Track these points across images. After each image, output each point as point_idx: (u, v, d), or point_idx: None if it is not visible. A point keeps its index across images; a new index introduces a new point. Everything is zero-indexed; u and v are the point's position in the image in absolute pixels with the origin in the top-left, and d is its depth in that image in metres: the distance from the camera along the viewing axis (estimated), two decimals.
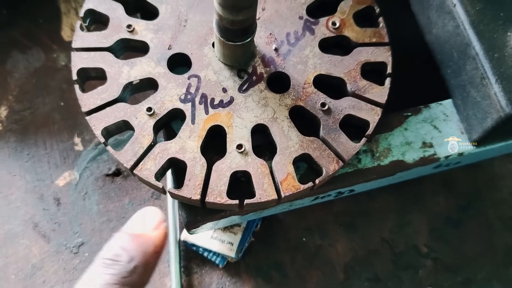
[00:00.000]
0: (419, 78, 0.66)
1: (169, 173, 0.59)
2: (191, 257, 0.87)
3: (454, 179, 0.92)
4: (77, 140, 0.91)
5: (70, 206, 0.86)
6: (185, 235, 0.83)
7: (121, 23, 0.59)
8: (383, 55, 0.58)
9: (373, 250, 0.87)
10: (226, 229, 0.82)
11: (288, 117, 0.55)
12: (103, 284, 0.33)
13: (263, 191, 0.51)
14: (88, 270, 0.34)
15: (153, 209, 0.41)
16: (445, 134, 0.61)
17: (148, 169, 0.52)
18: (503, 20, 0.55)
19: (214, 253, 0.83)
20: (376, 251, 0.87)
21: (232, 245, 0.81)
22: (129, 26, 0.58)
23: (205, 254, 0.83)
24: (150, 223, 0.39)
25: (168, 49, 0.58)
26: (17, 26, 0.99)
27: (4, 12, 1.00)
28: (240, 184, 0.54)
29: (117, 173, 0.88)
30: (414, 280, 0.86)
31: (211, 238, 0.82)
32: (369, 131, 0.55)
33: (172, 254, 0.84)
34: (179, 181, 0.54)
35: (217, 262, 0.84)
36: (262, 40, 0.59)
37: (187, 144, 0.53)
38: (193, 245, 0.84)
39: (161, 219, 0.39)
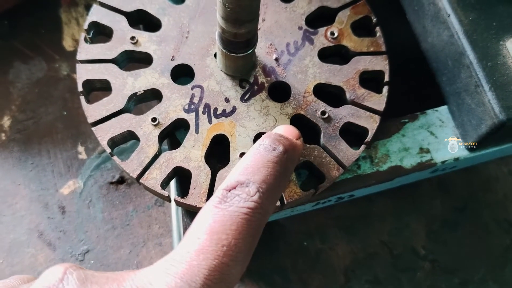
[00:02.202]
0: (415, 85, 0.68)
1: (171, 181, 0.60)
2: None
3: (450, 183, 0.94)
4: (80, 149, 0.92)
5: (75, 214, 0.87)
6: None
7: (124, 35, 0.60)
8: (381, 63, 0.60)
9: (372, 253, 0.89)
10: None
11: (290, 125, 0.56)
12: (267, 161, 0.42)
13: None
14: (248, 153, 0.44)
15: (292, 126, 0.51)
16: (441, 140, 0.63)
17: (154, 178, 0.53)
18: (496, 29, 0.57)
19: None
20: (375, 253, 0.89)
21: None
22: (132, 38, 0.60)
23: None
24: (294, 134, 0.49)
25: (171, 60, 0.59)
26: (19, 37, 1.00)
27: (6, 23, 1.01)
28: None
29: (121, 181, 0.89)
30: (413, 282, 0.87)
31: None
32: (368, 138, 0.57)
33: None
34: (183, 189, 0.55)
35: None
36: (263, 50, 0.60)
37: (191, 153, 0.55)
38: None
39: (300, 134, 0.50)
